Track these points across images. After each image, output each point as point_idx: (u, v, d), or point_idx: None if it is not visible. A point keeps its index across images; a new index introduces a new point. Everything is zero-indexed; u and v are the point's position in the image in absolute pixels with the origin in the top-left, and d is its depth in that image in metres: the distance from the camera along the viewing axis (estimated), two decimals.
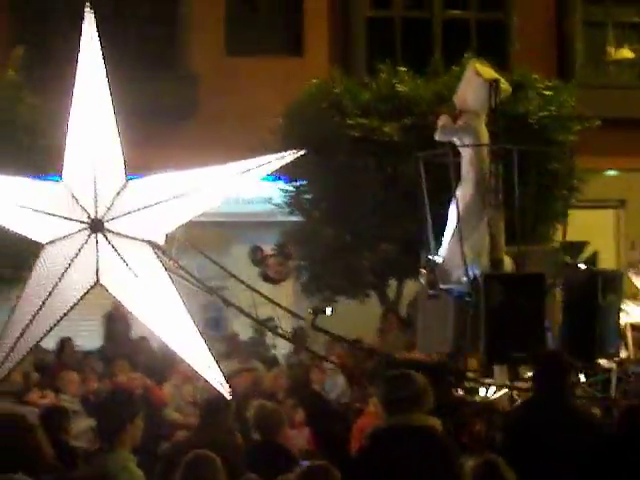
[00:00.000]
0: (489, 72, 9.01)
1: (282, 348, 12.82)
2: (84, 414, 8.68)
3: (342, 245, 12.39)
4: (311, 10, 15.79)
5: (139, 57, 15.37)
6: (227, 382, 5.82)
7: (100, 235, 5.46)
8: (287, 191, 13.20)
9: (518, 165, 9.10)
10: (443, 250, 8.77)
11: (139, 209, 5.61)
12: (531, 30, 16.10)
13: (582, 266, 9.42)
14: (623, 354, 9.26)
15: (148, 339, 11.76)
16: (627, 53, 16.94)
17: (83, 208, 5.48)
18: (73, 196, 5.59)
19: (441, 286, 8.66)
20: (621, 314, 9.05)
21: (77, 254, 5.46)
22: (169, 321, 5.77)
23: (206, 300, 7.15)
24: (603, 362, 8.75)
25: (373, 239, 12.31)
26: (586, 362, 8.10)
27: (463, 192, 8.71)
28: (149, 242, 5.67)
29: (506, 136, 11.33)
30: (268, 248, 9.71)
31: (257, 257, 9.58)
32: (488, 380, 8.08)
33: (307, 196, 13.12)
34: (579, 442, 5.32)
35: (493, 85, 8.69)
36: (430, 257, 9.14)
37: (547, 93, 13.00)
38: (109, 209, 5.49)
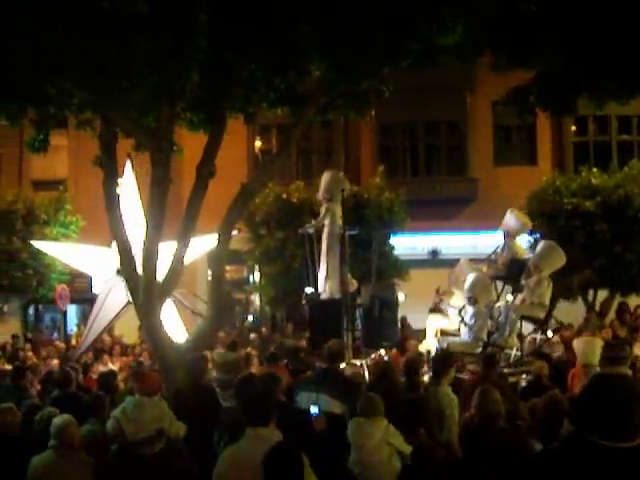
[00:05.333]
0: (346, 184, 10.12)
1: None
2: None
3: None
4: (541, 136, 18.91)
5: (442, 170, 19.80)
6: None
7: (122, 278, 8.01)
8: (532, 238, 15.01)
9: None
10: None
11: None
12: None
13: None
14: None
15: None
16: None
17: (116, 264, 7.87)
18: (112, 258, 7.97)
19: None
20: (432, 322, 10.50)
21: (111, 287, 8.45)
22: (167, 320, 8.33)
23: None
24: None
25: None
26: (371, 347, 9.82)
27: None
28: None
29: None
30: None
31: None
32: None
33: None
34: None
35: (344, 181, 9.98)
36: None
37: None
38: None
